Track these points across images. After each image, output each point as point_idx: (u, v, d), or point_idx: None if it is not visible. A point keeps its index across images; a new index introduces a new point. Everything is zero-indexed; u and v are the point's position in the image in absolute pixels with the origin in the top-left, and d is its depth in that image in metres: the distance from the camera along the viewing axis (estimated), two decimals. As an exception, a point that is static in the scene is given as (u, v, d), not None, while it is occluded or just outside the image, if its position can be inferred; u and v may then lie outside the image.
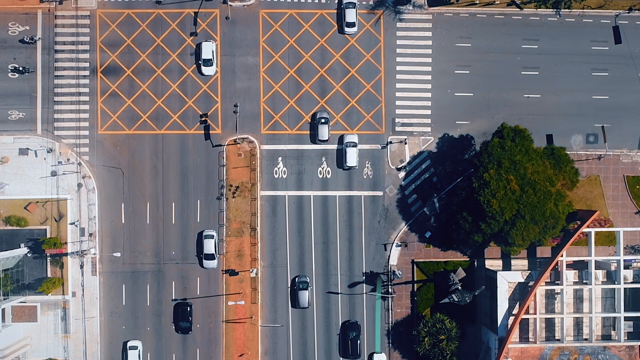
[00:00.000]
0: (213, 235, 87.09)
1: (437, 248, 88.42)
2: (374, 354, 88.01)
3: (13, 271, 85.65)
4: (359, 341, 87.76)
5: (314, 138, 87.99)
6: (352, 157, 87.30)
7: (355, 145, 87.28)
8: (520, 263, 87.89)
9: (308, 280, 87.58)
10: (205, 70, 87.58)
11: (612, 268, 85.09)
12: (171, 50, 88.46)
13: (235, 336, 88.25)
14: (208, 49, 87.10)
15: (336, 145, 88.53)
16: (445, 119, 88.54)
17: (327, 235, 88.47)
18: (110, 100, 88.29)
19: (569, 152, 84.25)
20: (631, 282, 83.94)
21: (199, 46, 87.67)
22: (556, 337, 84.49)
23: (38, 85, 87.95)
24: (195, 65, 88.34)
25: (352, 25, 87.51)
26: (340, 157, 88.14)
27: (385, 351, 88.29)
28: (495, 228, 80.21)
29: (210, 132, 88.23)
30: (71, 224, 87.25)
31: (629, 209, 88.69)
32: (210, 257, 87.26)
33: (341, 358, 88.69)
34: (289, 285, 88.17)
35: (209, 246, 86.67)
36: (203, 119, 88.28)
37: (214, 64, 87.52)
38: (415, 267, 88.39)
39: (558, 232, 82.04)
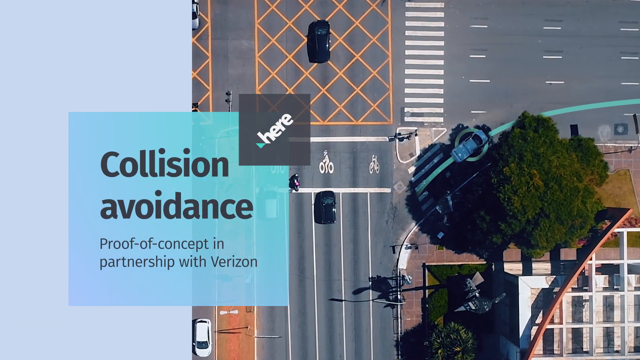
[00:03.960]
0: None
1: (451, 250, 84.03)
2: None
3: None
4: None
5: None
6: None
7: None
8: (542, 267, 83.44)
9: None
10: (200, 352, 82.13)
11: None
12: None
13: (229, 347, 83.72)
14: (203, 331, 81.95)
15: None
16: (459, 108, 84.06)
17: (330, 236, 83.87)
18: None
19: (596, 144, 79.46)
20: (667, 288, 78.97)
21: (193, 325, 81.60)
22: (584, 349, 79.96)
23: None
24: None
25: None
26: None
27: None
28: (516, 228, 75.00)
29: (201, 123, 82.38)
30: None
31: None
32: None
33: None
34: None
35: None
36: (193, 108, 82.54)
37: (209, 346, 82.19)
38: (426, 271, 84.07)
39: (586, 232, 77.06)
